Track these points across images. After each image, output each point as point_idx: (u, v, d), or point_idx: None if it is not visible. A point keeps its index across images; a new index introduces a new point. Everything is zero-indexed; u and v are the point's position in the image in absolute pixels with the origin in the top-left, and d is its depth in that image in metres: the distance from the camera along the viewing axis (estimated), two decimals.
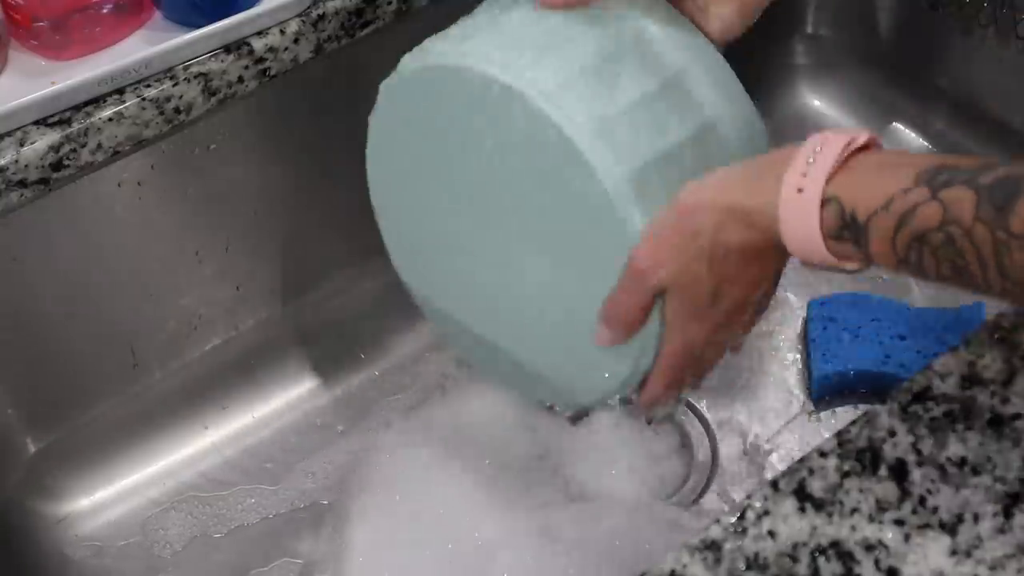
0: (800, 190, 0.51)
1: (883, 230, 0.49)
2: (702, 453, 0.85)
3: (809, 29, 1.04)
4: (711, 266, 0.56)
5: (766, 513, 0.53)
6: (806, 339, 0.88)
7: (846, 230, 0.50)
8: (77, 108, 0.73)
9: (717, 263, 0.56)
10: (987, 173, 0.46)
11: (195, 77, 0.75)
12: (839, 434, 0.55)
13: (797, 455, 0.81)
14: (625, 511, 0.81)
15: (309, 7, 0.78)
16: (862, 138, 0.52)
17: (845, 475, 0.54)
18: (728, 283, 0.57)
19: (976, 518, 0.52)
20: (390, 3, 0.81)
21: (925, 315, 0.85)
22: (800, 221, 0.51)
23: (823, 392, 0.86)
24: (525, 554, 0.79)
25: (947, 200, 0.47)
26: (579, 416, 0.79)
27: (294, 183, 0.88)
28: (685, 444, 0.85)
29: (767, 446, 0.85)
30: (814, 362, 0.86)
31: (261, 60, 0.77)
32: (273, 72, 0.78)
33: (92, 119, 0.73)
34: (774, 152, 0.55)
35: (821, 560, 0.51)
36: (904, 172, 0.49)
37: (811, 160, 0.51)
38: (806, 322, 0.89)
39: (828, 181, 0.50)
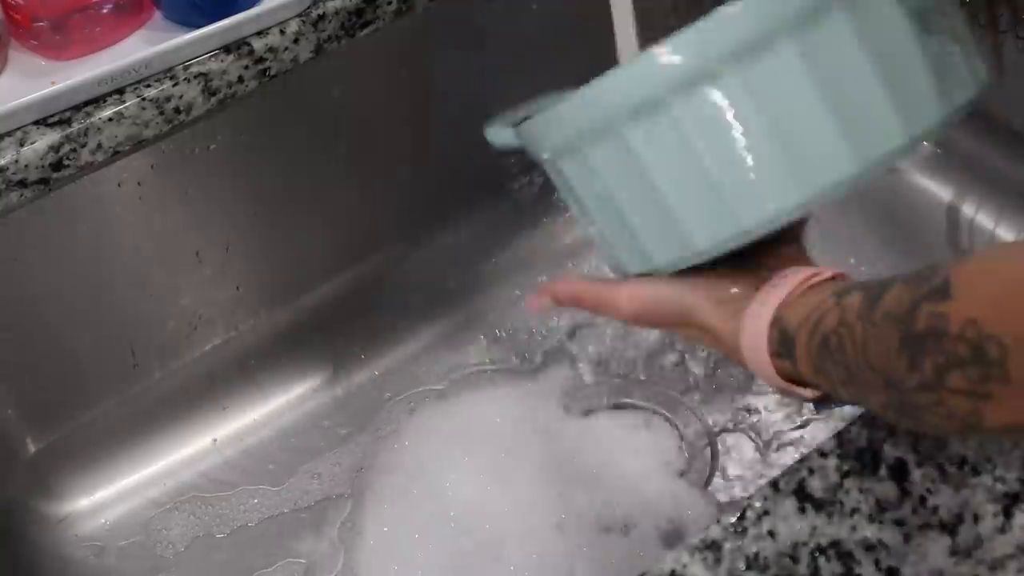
0: (758, 317, 0.52)
1: (803, 340, 0.49)
2: (702, 453, 0.85)
3: None
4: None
5: (766, 513, 0.53)
6: None
7: (783, 346, 0.51)
8: (77, 108, 0.73)
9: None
10: (883, 278, 0.47)
11: (195, 77, 0.75)
12: (839, 434, 0.55)
13: (797, 455, 0.81)
14: (630, 507, 0.81)
15: (309, 7, 0.78)
16: (827, 272, 0.53)
17: (845, 475, 0.54)
18: None
19: (976, 518, 0.52)
20: (390, 3, 0.81)
21: None
22: (755, 344, 0.52)
23: None
24: (535, 546, 0.80)
25: (844, 304, 0.47)
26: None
27: (294, 183, 0.88)
28: (686, 443, 0.85)
29: (767, 445, 0.85)
30: None
31: (261, 60, 0.77)
32: (273, 72, 0.78)
33: (92, 119, 0.73)
34: (740, 273, 0.55)
35: (821, 560, 0.51)
36: (833, 288, 0.50)
37: (772, 288, 0.52)
38: None
39: (781, 306, 0.52)
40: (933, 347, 0.41)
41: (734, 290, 0.55)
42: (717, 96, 0.49)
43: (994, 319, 0.40)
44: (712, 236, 0.52)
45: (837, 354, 0.47)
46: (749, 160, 0.49)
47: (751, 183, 0.50)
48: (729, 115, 0.49)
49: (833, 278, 0.53)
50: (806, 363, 0.50)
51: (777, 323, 0.51)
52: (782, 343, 0.51)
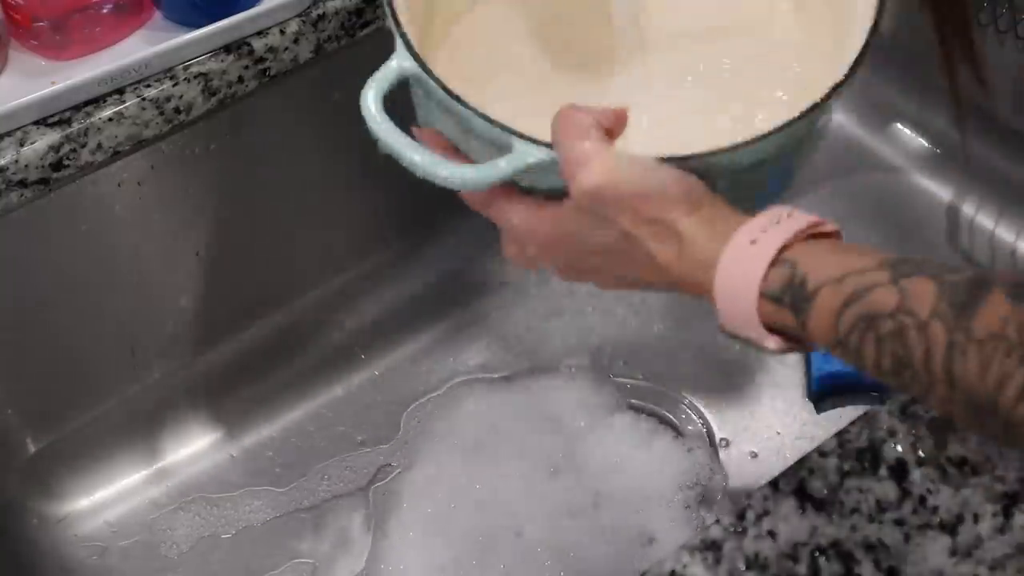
0: (754, 242, 0.47)
1: (830, 303, 0.45)
2: (703, 453, 0.85)
3: None
4: (599, 252, 0.52)
5: (766, 513, 0.53)
6: None
7: (788, 295, 0.46)
8: (77, 108, 0.73)
9: (610, 254, 0.51)
10: (955, 272, 0.43)
11: (195, 77, 0.75)
12: (839, 434, 0.55)
13: (797, 455, 0.81)
14: (638, 504, 0.82)
15: (309, 7, 0.78)
16: (829, 225, 0.48)
17: (845, 475, 0.54)
18: (603, 269, 0.53)
19: (976, 518, 0.52)
20: None
21: None
22: (741, 271, 0.47)
23: (823, 392, 0.86)
24: (547, 536, 0.81)
25: (907, 288, 0.43)
26: None
27: (294, 183, 0.88)
28: (686, 442, 0.85)
29: (767, 446, 0.85)
30: (814, 362, 0.86)
31: (261, 60, 0.77)
32: (273, 72, 0.78)
33: (92, 119, 0.73)
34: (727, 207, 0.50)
35: (821, 560, 0.51)
36: (869, 255, 0.45)
37: (776, 222, 0.48)
38: None
39: (787, 245, 0.47)
40: None
41: (714, 206, 0.49)
42: None
43: None
44: None
45: (890, 341, 0.43)
46: None
47: None
48: None
49: (831, 234, 0.48)
50: (827, 331, 0.45)
51: (782, 264, 0.46)
52: (787, 291, 0.46)
